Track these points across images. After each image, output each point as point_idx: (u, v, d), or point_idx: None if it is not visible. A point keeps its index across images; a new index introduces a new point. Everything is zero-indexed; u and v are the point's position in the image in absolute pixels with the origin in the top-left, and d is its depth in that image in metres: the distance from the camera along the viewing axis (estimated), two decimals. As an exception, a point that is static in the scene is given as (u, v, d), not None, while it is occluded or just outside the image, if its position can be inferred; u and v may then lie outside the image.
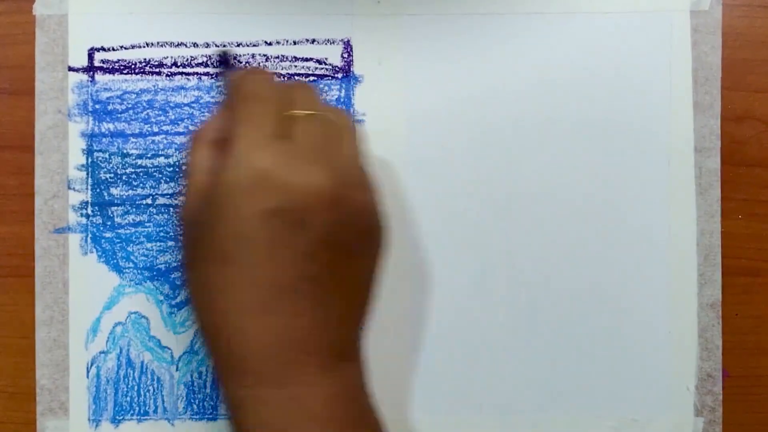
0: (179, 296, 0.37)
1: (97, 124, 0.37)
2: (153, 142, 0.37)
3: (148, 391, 0.36)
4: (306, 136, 0.29)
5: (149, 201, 0.37)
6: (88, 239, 0.36)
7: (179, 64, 0.37)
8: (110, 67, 0.37)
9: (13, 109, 0.37)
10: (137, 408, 0.36)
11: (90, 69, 0.37)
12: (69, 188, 0.36)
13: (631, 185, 0.37)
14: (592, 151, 0.37)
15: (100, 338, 0.36)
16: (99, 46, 0.37)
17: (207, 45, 0.37)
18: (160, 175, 0.37)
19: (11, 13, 0.37)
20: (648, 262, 0.37)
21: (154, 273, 0.37)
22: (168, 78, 0.37)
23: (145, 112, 0.37)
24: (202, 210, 0.29)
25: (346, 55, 0.37)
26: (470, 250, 0.37)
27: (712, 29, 0.37)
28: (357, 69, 0.37)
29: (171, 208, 0.37)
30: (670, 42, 0.37)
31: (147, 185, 0.37)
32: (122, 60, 0.37)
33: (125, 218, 0.37)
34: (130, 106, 0.37)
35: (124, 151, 0.37)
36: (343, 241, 0.29)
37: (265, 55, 0.37)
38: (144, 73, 0.37)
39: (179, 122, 0.37)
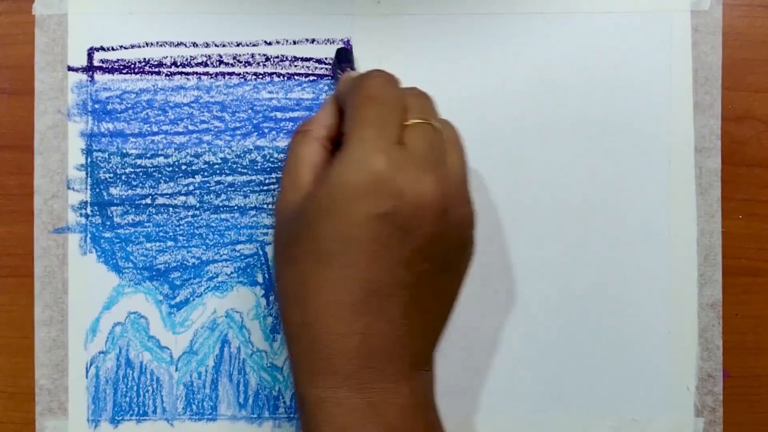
0: (178, 296, 0.37)
1: (96, 123, 0.37)
2: (152, 141, 0.37)
3: (148, 391, 0.36)
4: (421, 144, 0.29)
5: (149, 201, 0.37)
6: (88, 239, 0.36)
7: (179, 63, 0.37)
8: (110, 66, 0.37)
9: (13, 108, 0.37)
10: (136, 408, 0.36)
11: (89, 69, 0.37)
12: (68, 188, 0.36)
13: (631, 185, 0.37)
14: (592, 151, 0.37)
15: (100, 338, 0.36)
16: (98, 45, 0.37)
17: (207, 45, 0.37)
18: (160, 175, 0.37)
19: (11, 12, 0.37)
20: (648, 262, 0.37)
21: (154, 273, 0.36)
22: (167, 78, 0.37)
23: (144, 112, 0.37)
24: (305, 206, 0.29)
25: (345, 55, 0.37)
26: (470, 250, 0.37)
27: (712, 29, 0.37)
28: (357, 69, 0.37)
29: (171, 208, 0.37)
30: (670, 42, 0.37)
31: (146, 185, 0.37)
32: (122, 60, 0.37)
33: (125, 218, 0.36)
34: (129, 105, 0.37)
35: (124, 151, 0.37)
36: (440, 253, 0.29)
37: (265, 55, 0.37)
38: (143, 72, 0.37)
39: (178, 122, 0.37)
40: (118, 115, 0.37)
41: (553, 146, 0.37)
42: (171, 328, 0.36)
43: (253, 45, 0.37)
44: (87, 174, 0.36)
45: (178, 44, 0.37)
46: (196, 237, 0.36)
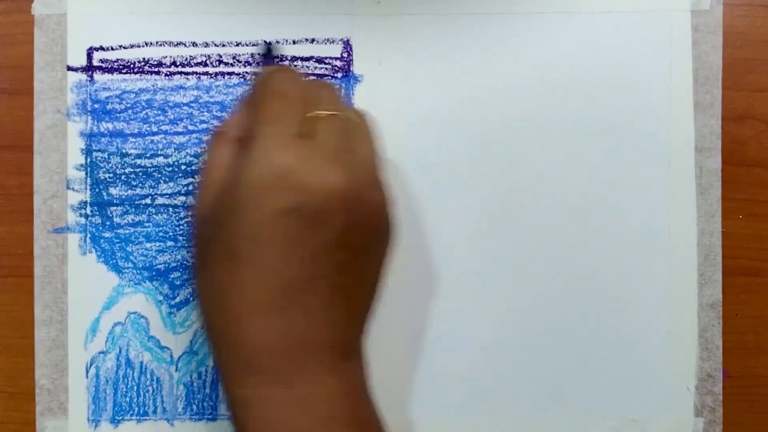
0: (178, 296, 0.37)
1: (96, 123, 0.37)
2: (152, 141, 0.37)
3: (148, 391, 0.36)
4: (327, 136, 0.29)
5: (148, 201, 0.37)
6: (87, 239, 0.36)
7: (178, 63, 0.37)
8: (109, 66, 0.37)
9: (12, 108, 0.37)
10: (136, 408, 0.36)
11: (89, 69, 0.37)
12: (68, 188, 0.36)
13: (631, 185, 0.37)
14: (592, 150, 0.37)
15: (100, 338, 0.36)
16: (98, 45, 0.37)
17: (206, 45, 0.37)
18: (159, 175, 0.37)
19: (10, 12, 0.37)
20: (648, 262, 0.37)
21: (154, 273, 0.36)
22: (167, 78, 0.37)
23: (144, 112, 0.37)
24: (217, 207, 0.29)
25: (345, 55, 0.37)
26: (470, 250, 0.37)
27: (712, 29, 0.37)
28: (357, 69, 0.37)
29: (170, 208, 0.37)
30: (671, 42, 0.37)
31: (146, 185, 0.37)
32: (121, 60, 0.37)
33: (124, 218, 0.36)
34: (129, 105, 0.37)
35: (123, 151, 0.37)
36: (356, 242, 0.29)
37: (265, 55, 0.37)
38: (143, 72, 0.37)
39: (178, 122, 0.37)
40: (118, 114, 0.37)
41: (553, 146, 0.37)
42: (171, 328, 0.36)
43: (253, 45, 0.37)
44: (86, 174, 0.36)
45: (178, 44, 0.37)
46: (196, 237, 0.36)
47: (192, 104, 0.37)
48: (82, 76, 0.36)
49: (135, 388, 0.36)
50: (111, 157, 0.37)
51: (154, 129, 0.37)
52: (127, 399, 0.36)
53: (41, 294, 0.36)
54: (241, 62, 0.37)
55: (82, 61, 0.37)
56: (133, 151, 0.37)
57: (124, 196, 0.36)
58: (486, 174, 0.37)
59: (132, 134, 0.37)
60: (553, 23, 0.37)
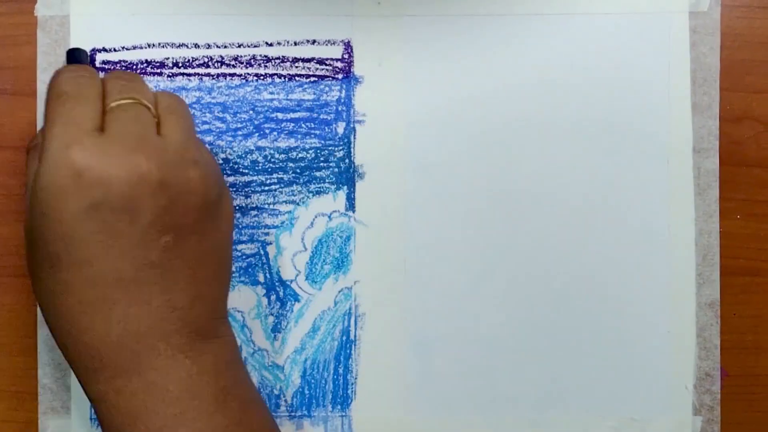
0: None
1: (98, 124, 0.37)
2: (154, 142, 0.37)
3: (150, 390, 0.36)
4: (121, 125, 0.29)
5: (150, 201, 0.37)
6: (90, 239, 0.36)
7: (180, 65, 0.37)
8: (112, 67, 0.37)
9: (15, 109, 0.37)
10: (139, 407, 0.36)
11: (91, 70, 0.37)
12: (71, 188, 0.37)
13: (630, 185, 0.37)
14: (592, 151, 0.37)
15: (102, 338, 0.36)
16: (100, 47, 0.37)
17: (208, 46, 0.37)
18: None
19: (13, 14, 0.37)
20: (647, 261, 0.37)
21: (156, 273, 0.37)
22: (169, 79, 0.37)
23: (146, 113, 0.37)
24: (31, 218, 0.29)
25: (346, 56, 0.37)
26: (470, 250, 0.37)
27: (710, 30, 0.37)
28: (357, 70, 0.37)
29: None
30: (669, 43, 0.37)
31: (148, 185, 0.37)
32: (123, 61, 0.37)
33: (127, 218, 0.37)
34: (131, 106, 0.37)
35: (126, 152, 0.37)
36: (177, 222, 0.29)
37: (265, 56, 0.37)
38: (145, 74, 0.37)
39: (180, 123, 0.37)
40: (120, 115, 0.37)
41: (553, 147, 0.37)
42: (173, 328, 0.37)
43: (255, 46, 0.37)
44: (89, 174, 0.37)
45: (180, 45, 0.37)
46: (198, 237, 0.37)
47: (194, 105, 0.37)
48: (85, 77, 0.37)
49: (137, 387, 0.36)
50: (113, 157, 0.37)
51: (156, 130, 0.37)
52: (129, 398, 0.36)
53: (44, 294, 0.36)
54: (242, 63, 0.37)
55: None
56: (135, 151, 0.37)
57: (126, 197, 0.37)
58: (485, 174, 0.37)
59: (134, 135, 0.37)
60: (553, 24, 0.37)
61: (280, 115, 0.37)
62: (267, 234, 0.37)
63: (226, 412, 0.29)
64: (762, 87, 0.37)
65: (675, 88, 0.37)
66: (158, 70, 0.37)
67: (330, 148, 0.37)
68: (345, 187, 0.37)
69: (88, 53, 0.36)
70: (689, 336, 0.37)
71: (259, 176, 0.37)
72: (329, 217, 0.37)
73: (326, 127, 0.37)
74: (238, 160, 0.37)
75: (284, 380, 0.37)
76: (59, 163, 0.27)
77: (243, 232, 0.37)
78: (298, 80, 0.37)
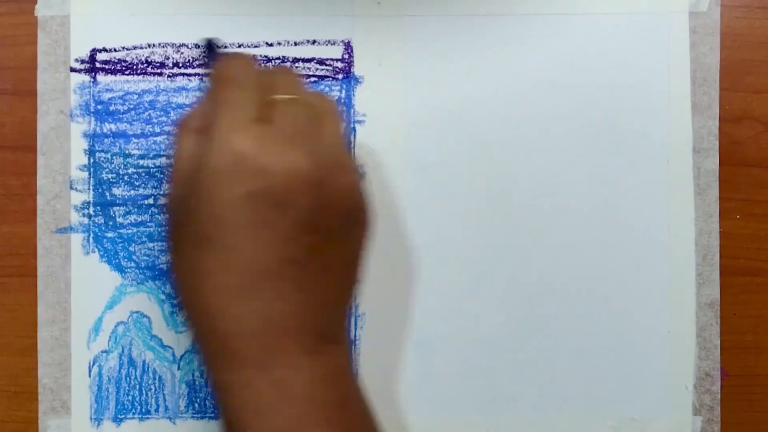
0: (181, 296, 0.37)
1: (99, 124, 0.37)
2: (155, 142, 0.37)
3: (150, 390, 0.37)
4: (285, 119, 0.29)
5: (151, 201, 0.37)
6: (90, 239, 0.37)
7: (181, 64, 0.37)
8: (112, 67, 0.37)
9: (16, 109, 0.37)
10: (139, 407, 0.36)
11: (92, 70, 0.37)
12: (71, 188, 0.37)
13: (630, 185, 0.37)
14: (592, 151, 0.37)
15: (102, 337, 0.37)
16: (101, 46, 0.37)
17: (208, 46, 0.37)
18: (162, 176, 0.37)
19: (13, 14, 0.37)
20: (647, 262, 0.37)
21: (156, 273, 0.37)
22: (170, 79, 0.37)
23: (146, 113, 0.37)
24: (185, 196, 0.29)
25: (346, 56, 0.37)
26: (470, 249, 0.37)
27: (710, 30, 0.37)
28: (357, 70, 0.37)
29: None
30: (669, 43, 0.37)
31: (149, 185, 0.37)
32: (124, 61, 0.37)
33: (127, 218, 0.37)
34: (131, 106, 0.37)
35: (126, 152, 0.37)
36: (324, 224, 0.29)
37: (266, 56, 0.37)
38: (146, 73, 0.37)
39: (181, 123, 0.37)
40: (121, 115, 0.37)
41: (553, 146, 0.37)
42: (173, 328, 0.37)
43: (255, 46, 0.37)
44: (89, 174, 0.37)
45: (180, 45, 0.37)
46: (198, 237, 0.37)
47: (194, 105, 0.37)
48: (85, 78, 0.37)
49: (137, 387, 0.37)
50: (114, 157, 0.37)
51: (157, 130, 0.37)
52: (130, 398, 0.36)
53: (44, 294, 0.36)
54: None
55: (85, 63, 0.37)
56: (135, 151, 0.37)
57: (126, 197, 0.37)
58: (485, 174, 0.37)
59: (135, 135, 0.37)
60: (553, 24, 0.37)
61: (280, 115, 0.37)
62: (267, 234, 0.37)
63: (343, 420, 0.29)
64: (762, 87, 0.37)
65: (675, 88, 0.37)
66: (159, 70, 0.37)
67: (330, 148, 0.37)
68: (345, 187, 0.37)
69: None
70: (689, 336, 0.37)
71: (260, 176, 0.37)
72: (329, 217, 0.37)
73: (326, 127, 0.37)
74: (239, 160, 0.37)
75: (284, 380, 0.37)
76: (227, 146, 0.28)
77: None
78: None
